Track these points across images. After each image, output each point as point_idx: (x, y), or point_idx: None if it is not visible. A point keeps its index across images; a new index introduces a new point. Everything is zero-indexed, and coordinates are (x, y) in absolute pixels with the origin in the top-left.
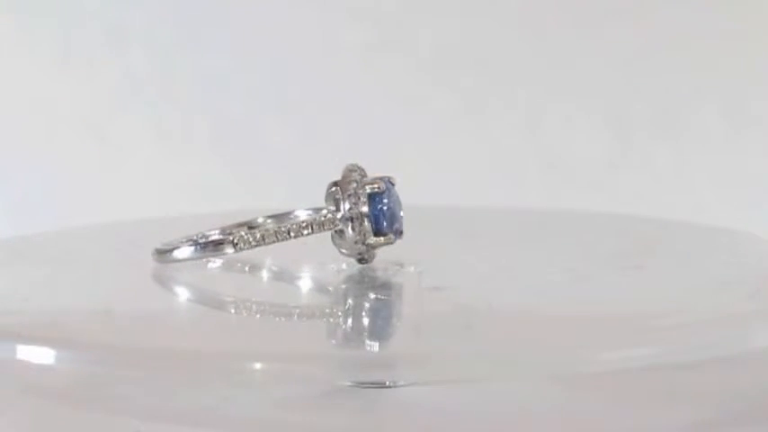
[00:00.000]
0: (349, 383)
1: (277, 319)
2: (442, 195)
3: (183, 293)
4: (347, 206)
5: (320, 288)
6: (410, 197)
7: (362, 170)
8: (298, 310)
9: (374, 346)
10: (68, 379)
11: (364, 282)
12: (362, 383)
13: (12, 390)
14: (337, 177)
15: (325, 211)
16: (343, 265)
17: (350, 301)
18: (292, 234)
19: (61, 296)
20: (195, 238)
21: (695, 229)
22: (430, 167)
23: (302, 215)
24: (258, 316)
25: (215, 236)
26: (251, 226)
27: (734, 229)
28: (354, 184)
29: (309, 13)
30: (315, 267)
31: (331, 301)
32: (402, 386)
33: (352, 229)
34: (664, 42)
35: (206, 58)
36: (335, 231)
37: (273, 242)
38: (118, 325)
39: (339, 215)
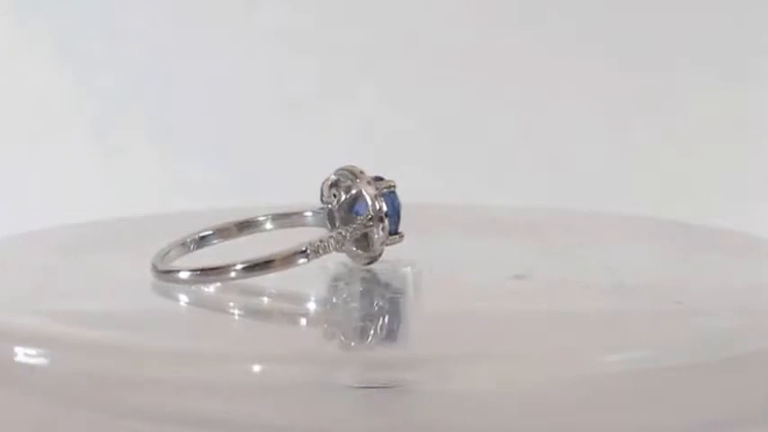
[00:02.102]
0: (351, 385)
1: (279, 319)
2: (440, 195)
3: (183, 293)
4: (377, 207)
5: (323, 288)
6: (409, 197)
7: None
8: (301, 311)
9: (378, 346)
10: (68, 380)
11: (368, 281)
12: (365, 385)
13: (11, 391)
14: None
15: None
16: (341, 267)
17: (351, 301)
18: (348, 240)
19: (60, 296)
20: (187, 239)
21: (695, 230)
22: (428, 167)
23: (309, 215)
24: (261, 316)
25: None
26: (251, 224)
27: (734, 229)
28: (374, 185)
29: (309, 13)
30: (315, 267)
31: (332, 301)
32: (405, 387)
33: (382, 229)
34: (663, 41)
35: (206, 57)
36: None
37: (336, 250)
38: (117, 325)
39: (368, 216)
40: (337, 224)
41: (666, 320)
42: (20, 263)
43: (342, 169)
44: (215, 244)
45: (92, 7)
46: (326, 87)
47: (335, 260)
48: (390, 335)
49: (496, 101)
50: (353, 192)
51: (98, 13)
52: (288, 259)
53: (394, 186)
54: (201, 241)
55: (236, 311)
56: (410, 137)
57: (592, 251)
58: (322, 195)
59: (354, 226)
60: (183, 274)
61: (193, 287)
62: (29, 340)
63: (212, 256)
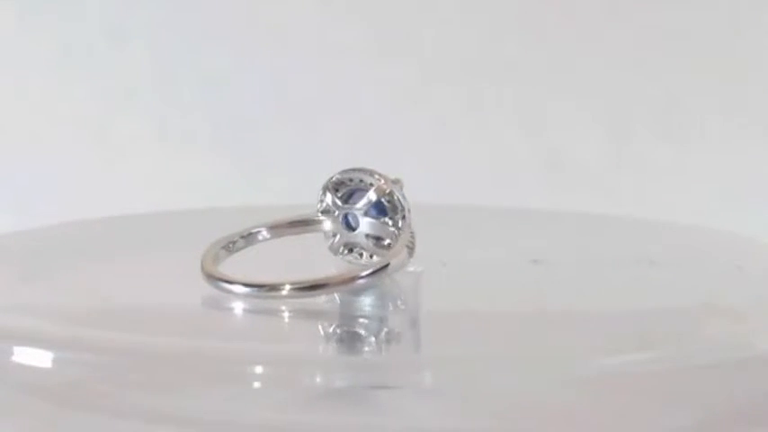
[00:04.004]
0: (350, 385)
1: (285, 320)
2: (440, 195)
3: (184, 293)
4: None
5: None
6: (409, 197)
7: None
8: (307, 311)
9: (377, 347)
10: (68, 380)
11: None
12: (365, 385)
13: (11, 391)
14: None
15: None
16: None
17: (352, 302)
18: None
19: (62, 295)
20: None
21: (695, 232)
22: (429, 167)
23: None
24: (265, 316)
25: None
26: (305, 223)
27: (734, 231)
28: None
29: (310, 13)
30: (320, 266)
31: (333, 302)
32: (404, 388)
33: (409, 227)
34: (664, 42)
35: (207, 57)
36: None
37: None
38: (118, 325)
39: (403, 215)
40: (360, 226)
41: (666, 322)
42: (20, 262)
43: (355, 170)
44: (264, 240)
45: (93, 7)
46: (326, 87)
47: (332, 259)
48: (398, 334)
49: (497, 101)
50: (380, 191)
51: (100, 12)
52: (345, 282)
53: (402, 185)
54: (250, 237)
55: (239, 311)
56: (409, 137)
57: (592, 251)
58: (331, 195)
59: (411, 231)
60: (238, 288)
61: (193, 287)
62: (28, 340)
63: (255, 258)
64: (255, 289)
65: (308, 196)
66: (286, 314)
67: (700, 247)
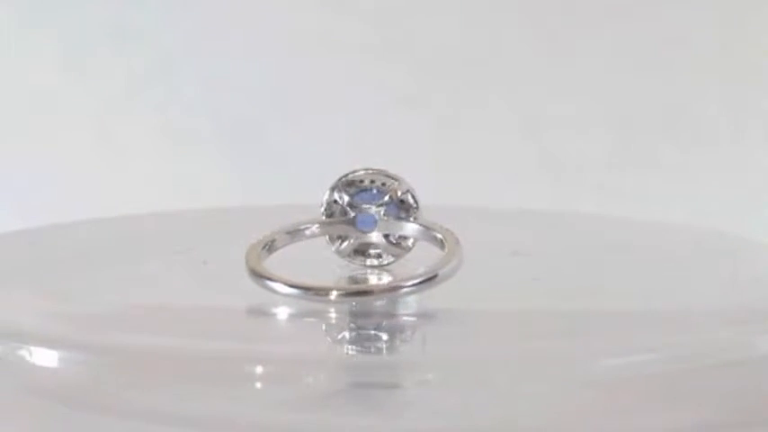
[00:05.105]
0: (352, 385)
1: (284, 319)
2: (441, 195)
3: (185, 293)
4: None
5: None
6: None
7: None
8: (303, 310)
9: (379, 347)
10: (70, 380)
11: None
12: (367, 385)
13: (13, 391)
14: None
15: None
16: (336, 269)
17: (355, 302)
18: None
19: (66, 295)
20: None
21: (697, 233)
22: (429, 167)
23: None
24: (265, 315)
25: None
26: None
27: (735, 232)
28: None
29: (310, 13)
30: (323, 266)
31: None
32: (406, 388)
33: None
34: (665, 42)
35: (207, 57)
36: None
37: None
38: (120, 325)
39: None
40: (378, 227)
41: (666, 322)
42: (21, 261)
43: (364, 170)
44: (313, 236)
45: (94, 7)
46: (326, 87)
47: (334, 260)
48: (401, 333)
49: (497, 100)
50: (396, 191)
51: (100, 12)
52: (389, 291)
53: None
54: (296, 234)
55: (244, 312)
56: (409, 137)
57: (591, 251)
58: (343, 195)
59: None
60: (282, 288)
61: (194, 287)
62: (30, 340)
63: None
64: (301, 291)
65: (308, 196)
66: (288, 313)
67: (698, 247)
